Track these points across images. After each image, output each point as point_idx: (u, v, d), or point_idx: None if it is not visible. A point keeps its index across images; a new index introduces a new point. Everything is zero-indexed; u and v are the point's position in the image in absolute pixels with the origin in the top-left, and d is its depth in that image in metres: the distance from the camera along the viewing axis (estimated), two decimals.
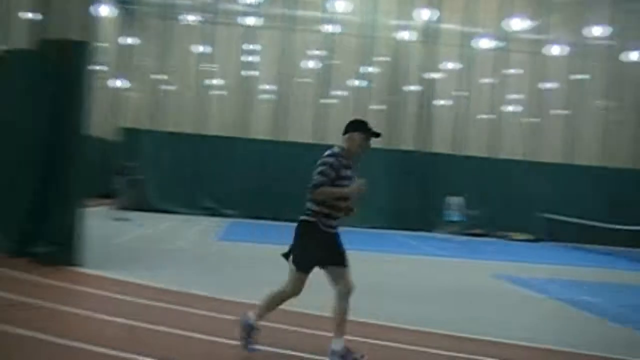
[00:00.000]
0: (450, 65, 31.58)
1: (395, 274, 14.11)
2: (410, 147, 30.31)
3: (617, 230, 25.15)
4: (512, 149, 30.92)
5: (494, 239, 27.21)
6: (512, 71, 31.60)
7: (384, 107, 30.98)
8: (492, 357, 7.08)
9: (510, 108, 31.96)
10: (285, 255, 6.21)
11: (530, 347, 7.68)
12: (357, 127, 6.28)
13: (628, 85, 31.69)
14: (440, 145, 30.54)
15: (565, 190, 29.06)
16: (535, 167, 29.81)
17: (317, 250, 6.05)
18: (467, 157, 30.09)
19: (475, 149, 30.84)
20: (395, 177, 29.09)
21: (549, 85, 31.81)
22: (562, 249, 25.65)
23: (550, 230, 27.81)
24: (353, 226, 27.62)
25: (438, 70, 31.49)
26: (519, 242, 27.00)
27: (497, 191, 28.78)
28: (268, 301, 6.31)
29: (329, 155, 6.09)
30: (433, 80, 31.42)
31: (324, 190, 5.96)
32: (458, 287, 12.72)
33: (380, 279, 12.94)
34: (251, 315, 6.33)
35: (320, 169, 6.02)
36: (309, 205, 6.11)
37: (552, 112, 31.65)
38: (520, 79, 31.66)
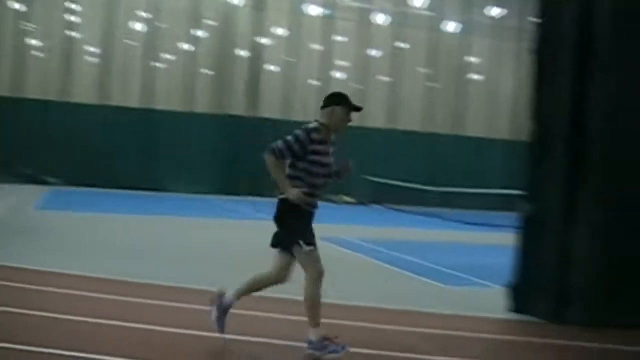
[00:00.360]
0: (279, 31, 31.69)
1: (220, 240, 14.08)
2: (240, 112, 30.26)
3: (437, 192, 26.52)
4: None
5: (322, 202, 27.79)
6: (339, 38, 32.21)
7: (212, 72, 30.66)
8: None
9: (338, 74, 32.62)
10: (275, 244, 5.82)
11: (348, 305, 7.93)
12: (339, 100, 5.84)
13: (445, 55, 33.26)
14: (270, 110, 30.70)
15: (390, 155, 30.22)
16: (361, 132, 30.72)
17: (301, 228, 5.72)
18: (296, 122, 30.39)
19: (304, 115, 31.27)
20: (224, 142, 29.01)
21: (374, 52, 32.74)
22: (384, 210, 26.70)
23: (375, 193, 28.84)
24: (177, 192, 27.47)
25: (267, 36, 31.52)
26: (345, 205, 27.79)
27: None
28: (251, 284, 5.90)
29: (302, 129, 5.69)
30: (262, 46, 31.43)
31: (272, 165, 5.66)
32: None
33: (198, 244, 12.92)
34: (228, 295, 5.83)
35: (287, 137, 5.67)
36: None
37: (377, 78, 32.66)
38: (347, 46, 32.35)
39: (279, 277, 5.81)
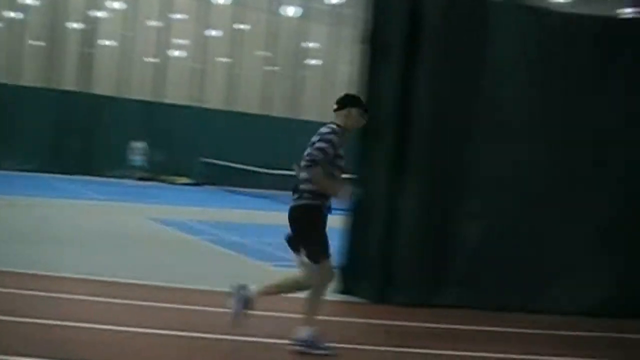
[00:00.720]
0: (115, 5, 30.62)
1: (47, 219, 13.49)
2: (72, 88, 28.99)
3: (273, 174, 26.70)
4: (177, 94, 31.08)
5: (158, 183, 27.32)
6: (178, 16, 31.59)
7: (42, 43, 29.13)
8: (143, 300, 7.09)
9: (176, 53, 32.02)
10: (290, 243, 5.70)
11: (180, 288, 7.83)
12: (355, 102, 5.86)
13: (284, 39, 33.46)
14: (104, 87, 29.61)
15: (227, 136, 30.07)
16: (198, 113, 30.38)
17: (324, 236, 5.63)
18: (132, 101, 29.62)
19: (140, 93, 30.44)
20: (54, 118, 27.71)
21: (213, 32, 32.39)
22: (220, 192, 26.61)
23: (211, 174, 28.67)
24: (1, 169, 25.94)
25: (102, 9, 30.36)
26: (181, 186, 27.44)
27: (162, 136, 28.82)
28: (281, 285, 5.84)
29: (329, 133, 5.58)
30: (97, 19, 30.23)
31: (320, 177, 5.47)
32: (114, 232, 12.54)
33: (29, 225, 12.31)
34: (253, 289, 5.72)
35: (320, 145, 5.50)
36: (306, 187, 5.56)
37: (216, 59, 32.36)
38: (186, 24, 31.79)
39: (329, 277, 5.78)
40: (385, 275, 7.79)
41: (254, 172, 26.76)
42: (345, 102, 5.88)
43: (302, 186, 5.61)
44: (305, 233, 5.61)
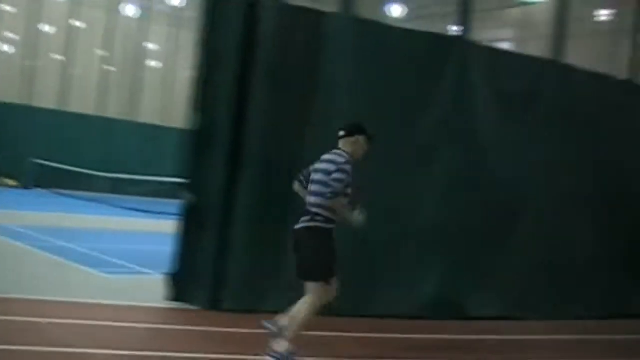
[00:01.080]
0: None
1: None
2: None
3: (107, 178, 25.99)
4: (5, 92, 29.48)
5: None
6: (7, 8, 30.02)
7: None
8: None
9: (5, 47, 30.42)
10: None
11: (2, 298, 7.41)
12: (362, 130, 5.98)
13: (122, 39, 32.63)
14: None
15: (59, 137, 28.88)
16: (28, 112, 28.98)
17: (334, 257, 5.79)
18: None
19: None
20: None
21: (47, 28, 31.05)
22: (51, 195, 25.51)
23: (41, 177, 27.45)
24: None
25: None
26: (7, 189, 26.08)
27: None
28: (303, 320, 5.71)
29: (345, 163, 5.73)
30: None
31: (339, 204, 5.67)
32: None
33: None
34: (283, 345, 5.65)
35: (339, 176, 5.64)
36: (319, 210, 5.72)
37: (49, 56, 31.05)
38: (16, 17, 30.26)
39: (329, 297, 5.87)
40: (218, 282, 7.73)
41: (87, 174, 25.87)
42: (354, 130, 6.01)
43: (314, 209, 5.76)
44: (318, 253, 5.79)
